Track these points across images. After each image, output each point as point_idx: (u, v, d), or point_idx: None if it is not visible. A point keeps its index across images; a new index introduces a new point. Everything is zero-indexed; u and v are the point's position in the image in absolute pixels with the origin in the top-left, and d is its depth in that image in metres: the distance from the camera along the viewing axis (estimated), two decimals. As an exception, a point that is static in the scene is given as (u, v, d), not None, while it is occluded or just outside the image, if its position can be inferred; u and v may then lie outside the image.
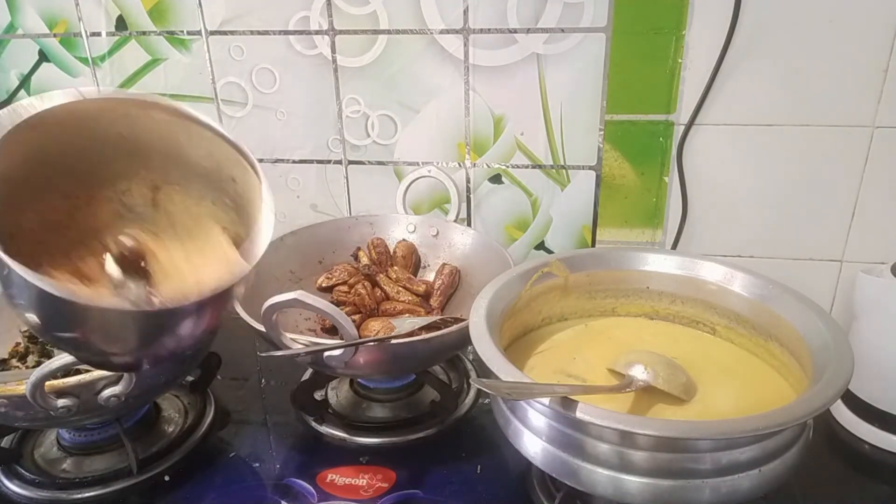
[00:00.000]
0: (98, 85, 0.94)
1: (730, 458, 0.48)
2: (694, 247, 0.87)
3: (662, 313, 0.70)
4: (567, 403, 0.47)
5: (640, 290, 0.69)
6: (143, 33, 0.91)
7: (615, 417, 0.45)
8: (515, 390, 0.46)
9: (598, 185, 0.87)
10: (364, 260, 0.85)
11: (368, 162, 0.93)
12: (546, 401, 0.48)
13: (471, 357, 0.84)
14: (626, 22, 0.79)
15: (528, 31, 0.81)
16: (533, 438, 0.54)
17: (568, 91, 0.83)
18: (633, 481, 0.49)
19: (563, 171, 0.88)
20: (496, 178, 0.90)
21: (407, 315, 0.77)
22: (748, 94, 0.79)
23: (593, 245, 0.91)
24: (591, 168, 0.87)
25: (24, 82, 0.96)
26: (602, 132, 0.84)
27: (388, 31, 0.85)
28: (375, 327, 0.73)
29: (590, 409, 0.46)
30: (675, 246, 0.87)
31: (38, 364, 0.70)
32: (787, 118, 0.79)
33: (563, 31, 0.81)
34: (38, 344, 0.72)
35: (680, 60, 0.79)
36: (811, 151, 0.80)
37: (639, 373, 0.57)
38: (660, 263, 0.68)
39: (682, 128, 0.82)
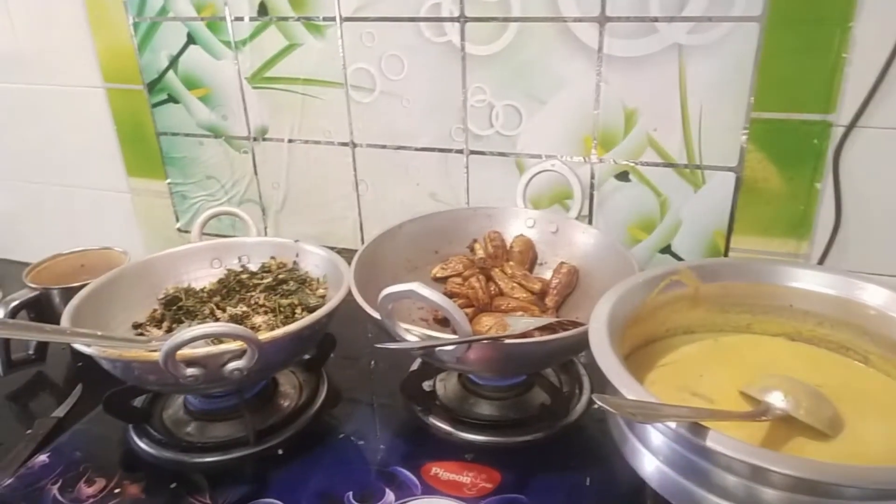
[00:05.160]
0: (239, 67, 0.98)
1: (880, 508, 0.43)
2: (844, 262, 0.79)
3: (806, 335, 0.63)
4: (696, 429, 0.43)
5: (781, 307, 0.63)
6: (283, 19, 0.93)
7: (755, 453, 0.41)
8: (641, 411, 0.42)
9: (737, 188, 0.81)
10: (480, 253, 0.83)
11: (490, 153, 0.91)
12: (673, 424, 0.44)
13: (583, 361, 0.80)
14: (783, 10, 0.72)
15: (672, 19, 0.76)
16: (651, 459, 0.50)
17: (711, 85, 0.77)
18: (763, 520, 0.45)
19: (699, 171, 0.82)
20: (623, 176, 0.86)
21: (521, 313, 0.74)
22: (925, 95, 0.70)
23: (726, 253, 0.84)
24: (730, 169, 0.80)
25: (173, 63, 1.02)
26: (747, 131, 0.77)
27: (520, 19, 0.82)
28: (488, 323, 0.72)
29: (723, 440, 0.42)
30: (822, 260, 0.79)
31: (171, 330, 0.74)
32: (972, 123, 0.69)
33: (710, 20, 0.74)
34: (171, 311, 0.77)
35: (844, 55, 0.71)
36: None
37: (777, 400, 0.52)
38: (809, 280, 0.62)
39: (841, 130, 0.74)
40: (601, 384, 0.52)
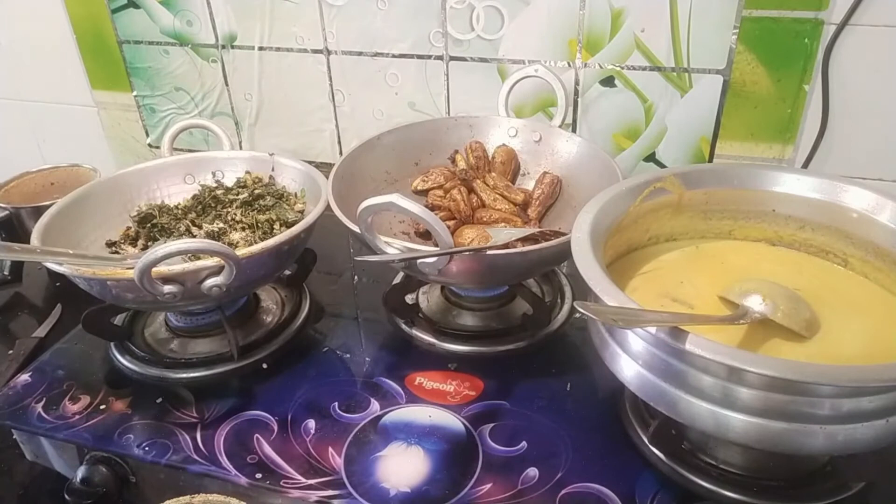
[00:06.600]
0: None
1: (853, 405, 0.44)
2: (829, 167, 0.78)
3: (787, 240, 0.63)
4: (676, 333, 0.43)
5: (763, 212, 0.63)
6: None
7: (733, 354, 0.41)
8: (622, 317, 0.42)
9: (724, 91, 0.78)
10: (461, 164, 0.81)
11: (471, 58, 0.87)
12: (653, 329, 0.44)
13: (565, 271, 0.81)
14: None
15: None
16: (630, 363, 0.51)
17: (701, -19, 0.73)
18: (738, 419, 0.46)
19: (686, 74, 0.79)
20: (608, 81, 0.83)
21: (503, 224, 0.74)
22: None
23: (710, 159, 0.83)
24: (718, 72, 0.77)
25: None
26: (737, 31, 0.74)
27: None
28: (470, 235, 0.71)
29: (702, 342, 0.42)
30: (806, 164, 0.78)
31: (146, 248, 0.73)
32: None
33: None
34: (146, 228, 0.75)
35: (841, -54, 0.68)
36: None
37: (755, 304, 0.52)
38: (792, 184, 0.61)
39: (833, 28, 0.71)
40: (583, 293, 0.52)
